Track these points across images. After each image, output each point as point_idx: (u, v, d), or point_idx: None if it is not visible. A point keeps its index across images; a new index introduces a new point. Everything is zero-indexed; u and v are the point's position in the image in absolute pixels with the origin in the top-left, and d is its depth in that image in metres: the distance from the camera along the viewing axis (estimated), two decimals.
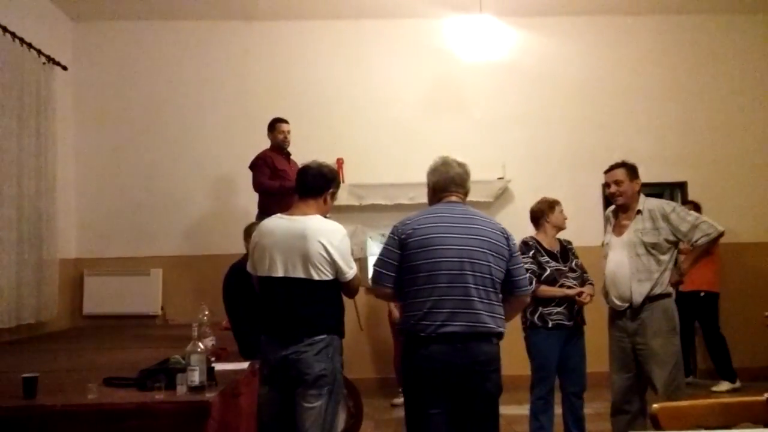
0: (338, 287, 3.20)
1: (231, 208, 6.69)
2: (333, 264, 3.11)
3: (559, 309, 4.13)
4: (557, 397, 4.25)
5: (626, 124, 6.99)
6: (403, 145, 6.78)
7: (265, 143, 5.79)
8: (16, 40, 5.65)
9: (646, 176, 4.12)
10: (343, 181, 6.52)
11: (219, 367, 3.31)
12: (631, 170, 3.94)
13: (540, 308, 4.12)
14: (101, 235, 6.81)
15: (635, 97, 7.05)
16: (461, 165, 3.05)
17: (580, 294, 4.13)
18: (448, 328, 2.76)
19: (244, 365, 3.65)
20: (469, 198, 3.10)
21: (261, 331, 3.21)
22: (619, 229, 3.97)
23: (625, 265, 3.83)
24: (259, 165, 5.63)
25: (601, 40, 7.11)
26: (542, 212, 4.34)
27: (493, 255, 2.86)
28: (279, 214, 3.27)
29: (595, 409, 4.88)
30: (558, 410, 4.26)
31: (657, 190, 6.66)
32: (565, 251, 4.34)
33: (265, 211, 4.88)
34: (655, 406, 2.04)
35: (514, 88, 6.99)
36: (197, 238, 6.80)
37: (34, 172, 5.85)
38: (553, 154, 6.92)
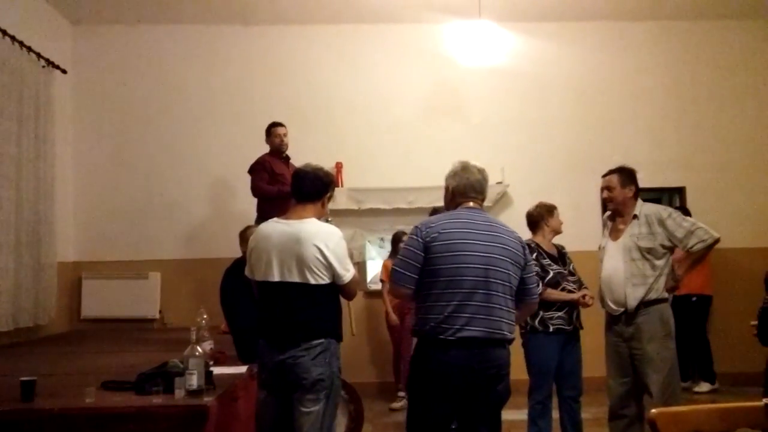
0: (335, 291, 3.20)
1: (229, 211, 6.68)
2: (329, 267, 3.10)
3: (560, 313, 4.15)
4: (555, 401, 4.25)
5: (624, 129, 7.01)
6: (402, 149, 6.79)
7: (265, 147, 5.81)
8: (16, 44, 5.66)
9: (643, 181, 4.12)
10: (341, 185, 6.55)
11: (217, 370, 3.31)
12: (626, 176, 3.94)
13: (541, 312, 4.11)
14: (100, 238, 6.81)
15: (633, 103, 7.07)
16: (481, 171, 3.07)
17: (583, 296, 4.15)
18: (466, 332, 2.79)
19: (243, 369, 3.65)
20: None
21: (259, 335, 3.21)
22: (615, 234, 3.98)
23: (620, 269, 3.84)
24: (257, 169, 5.64)
25: (600, 45, 7.13)
26: (542, 216, 4.37)
27: (511, 263, 2.91)
28: (276, 218, 3.27)
29: (593, 413, 4.86)
30: (556, 415, 4.26)
31: (655, 195, 6.67)
32: (562, 255, 4.38)
33: (264, 216, 4.87)
34: (653, 411, 2.04)
35: (512, 93, 7.01)
36: (196, 242, 6.81)
37: (33, 176, 5.86)
38: (551, 158, 6.93)
